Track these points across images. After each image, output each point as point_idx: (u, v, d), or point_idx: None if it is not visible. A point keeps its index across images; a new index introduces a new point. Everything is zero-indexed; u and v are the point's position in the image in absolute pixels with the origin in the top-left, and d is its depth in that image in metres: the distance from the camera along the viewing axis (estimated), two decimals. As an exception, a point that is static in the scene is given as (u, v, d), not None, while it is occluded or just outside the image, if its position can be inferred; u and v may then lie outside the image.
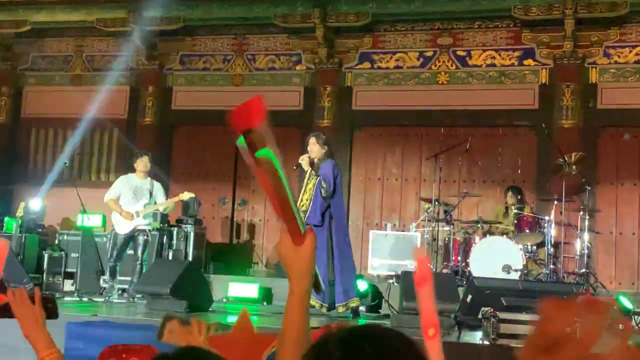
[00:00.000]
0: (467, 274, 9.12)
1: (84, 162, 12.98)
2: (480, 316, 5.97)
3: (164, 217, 10.01)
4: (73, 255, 10.37)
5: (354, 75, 11.97)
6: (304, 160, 7.93)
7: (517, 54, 11.34)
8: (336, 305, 7.63)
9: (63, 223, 12.02)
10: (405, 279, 7.58)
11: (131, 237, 9.10)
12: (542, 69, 11.22)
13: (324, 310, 7.70)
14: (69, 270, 10.46)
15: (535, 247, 9.55)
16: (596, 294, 9.28)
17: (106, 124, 12.62)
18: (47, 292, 2.49)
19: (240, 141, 1.57)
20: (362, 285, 8.63)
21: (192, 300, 7.62)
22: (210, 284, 9.20)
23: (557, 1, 10.70)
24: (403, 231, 10.88)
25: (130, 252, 9.27)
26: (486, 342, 5.69)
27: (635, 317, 7.24)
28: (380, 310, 8.94)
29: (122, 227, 9.06)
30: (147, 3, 11.82)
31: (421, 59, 11.69)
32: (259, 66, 12.40)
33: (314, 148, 7.98)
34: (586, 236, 9.63)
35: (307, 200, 7.85)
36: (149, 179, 9.29)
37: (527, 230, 9.42)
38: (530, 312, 6.16)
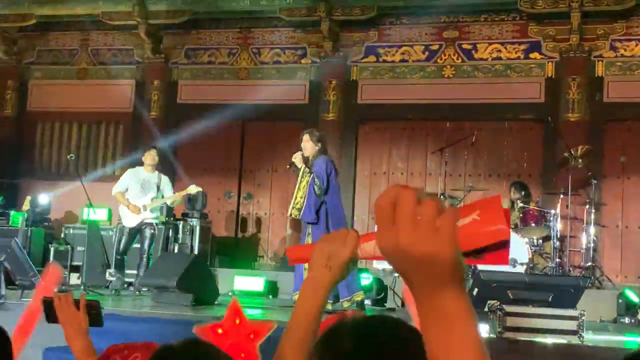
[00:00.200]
0: (473, 267, 9.11)
1: (89, 156, 13.00)
2: (486, 309, 5.97)
3: (170, 211, 10.02)
4: (79, 248, 10.40)
5: (359, 69, 11.95)
6: (297, 158, 7.92)
7: (523, 47, 11.30)
8: (341, 300, 7.64)
9: (69, 217, 12.04)
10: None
11: (138, 230, 9.11)
12: (548, 62, 11.18)
13: (329, 306, 7.70)
14: (75, 263, 10.50)
15: (541, 241, 9.53)
16: (602, 288, 9.28)
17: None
18: (93, 300, 2.46)
19: None
20: (366, 279, 8.64)
21: (198, 294, 7.63)
22: (215, 278, 9.20)
23: (563, -6, 10.67)
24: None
25: (136, 245, 9.28)
26: (493, 335, 5.69)
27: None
28: (385, 304, 8.95)
29: (129, 221, 9.07)
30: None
31: (427, 53, 11.67)
32: (264, 60, 12.38)
33: (307, 145, 7.97)
34: (592, 230, 9.62)
35: (301, 197, 7.85)
36: (156, 172, 9.30)
37: (533, 224, 9.40)
38: (537, 305, 6.16)
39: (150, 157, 9.20)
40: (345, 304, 7.55)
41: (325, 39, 11.84)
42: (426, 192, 0.87)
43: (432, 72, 11.63)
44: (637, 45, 10.91)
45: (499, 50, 11.38)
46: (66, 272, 10.41)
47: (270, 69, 12.34)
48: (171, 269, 7.73)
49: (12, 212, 10.99)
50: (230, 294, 9.53)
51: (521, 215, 9.52)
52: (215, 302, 7.90)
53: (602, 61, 10.96)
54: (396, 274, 9.05)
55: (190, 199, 10.65)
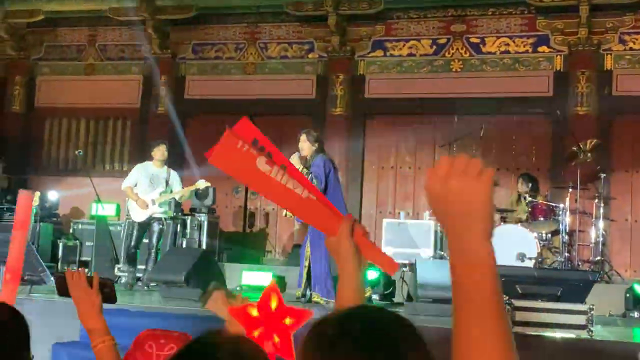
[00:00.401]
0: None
1: (97, 152, 13.02)
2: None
3: (178, 206, 10.05)
4: (87, 244, 10.42)
5: (366, 63, 11.93)
6: (294, 159, 7.91)
7: (531, 40, 11.26)
8: None
9: (77, 212, 12.07)
10: (420, 268, 7.57)
11: (147, 225, 9.12)
12: (556, 56, 11.14)
13: (331, 305, 7.71)
14: (84, 259, 10.52)
15: (549, 235, 9.49)
16: (611, 282, 9.25)
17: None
18: (106, 277, 2.46)
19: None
20: (372, 274, 8.62)
21: (206, 288, 7.63)
22: (223, 273, 9.21)
23: (572, -13, 10.62)
24: (417, 219, 10.85)
25: (144, 240, 9.29)
26: None
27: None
28: (393, 299, 8.94)
29: (138, 215, 9.08)
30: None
31: (434, 47, 11.63)
32: (271, 55, 12.37)
33: (305, 145, 7.96)
34: (601, 224, 9.58)
35: None
36: (165, 167, 9.30)
37: (542, 218, 9.37)
38: (545, 299, 6.14)
39: (160, 152, 9.20)
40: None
41: (332, 34, 11.82)
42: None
43: (439, 66, 11.59)
44: (646, 38, 10.86)
45: (507, 44, 11.33)
46: (75, 268, 10.45)
47: (277, 64, 12.33)
48: (179, 264, 7.75)
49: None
50: (238, 288, 9.54)
51: (530, 209, 9.49)
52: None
53: (610, 54, 10.91)
54: (404, 268, 9.05)
55: (199, 194, 10.67)
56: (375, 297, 8.41)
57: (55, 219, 11.21)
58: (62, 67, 13.38)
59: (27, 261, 6.83)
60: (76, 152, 11.51)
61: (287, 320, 2.00)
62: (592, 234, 9.69)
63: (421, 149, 11.69)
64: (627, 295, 8.01)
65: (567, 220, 9.35)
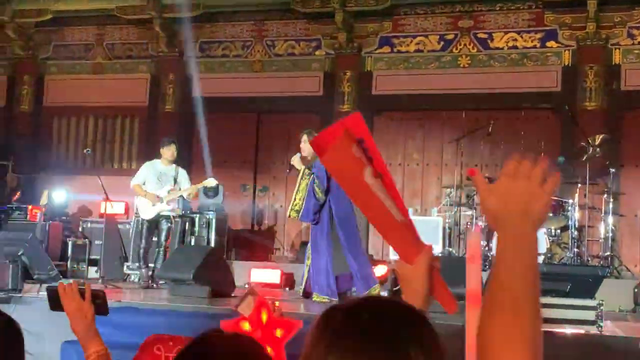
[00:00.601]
0: (490, 258, 9.08)
1: (106, 150, 13.06)
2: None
3: (187, 204, 10.06)
4: (97, 242, 10.44)
5: (373, 60, 11.91)
6: (295, 160, 7.93)
7: (539, 35, 11.21)
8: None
9: (86, 211, 12.10)
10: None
11: (156, 223, 9.13)
12: (564, 51, 11.09)
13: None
14: (93, 257, 10.54)
15: (559, 231, 9.47)
16: (621, 278, 9.21)
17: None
18: (97, 289, 2.46)
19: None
20: (380, 270, 8.63)
21: (214, 286, 7.64)
22: (232, 270, 9.22)
23: (579, -19, 10.58)
24: (425, 216, 10.84)
25: (154, 238, 9.31)
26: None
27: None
28: (403, 296, 8.91)
29: (146, 213, 9.10)
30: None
31: (442, 42, 11.60)
32: (278, 52, 12.37)
33: (305, 146, 7.98)
34: (610, 219, 9.55)
35: (300, 199, 7.86)
36: (174, 165, 9.31)
37: (551, 214, 9.33)
38: (555, 295, 6.12)
39: (170, 152, 9.21)
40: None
41: (339, 30, 11.81)
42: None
43: (447, 62, 11.56)
44: (654, 32, 10.80)
45: (515, 39, 11.30)
46: (84, 266, 10.48)
47: (284, 61, 12.32)
48: (188, 262, 7.75)
49: (29, 207, 11.06)
50: (246, 286, 9.55)
51: (538, 205, 9.45)
52: (232, 295, 7.91)
53: (619, 49, 10.86)
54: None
55: (208, 192, 10.68)
56: (384, 294, 8.40)
57: (64, 217, 11.24)
58: (70, 66, 13.42)
59: (36, 259, 6.87)
60: (84, 150, 11.54)
61: (278, 332, 2.01)
62: (602, 229, 9.65)
63: (429, 145, 11.68)
64: (637, 290, 7.98)
65: (576, 215, 9.32)
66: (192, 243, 10.32)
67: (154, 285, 8.88)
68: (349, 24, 11.83)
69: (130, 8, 12.46)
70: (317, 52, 12.20)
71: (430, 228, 9.78)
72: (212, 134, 12.29)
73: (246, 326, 2.05)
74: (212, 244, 10.29)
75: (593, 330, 5.66)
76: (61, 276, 7.91)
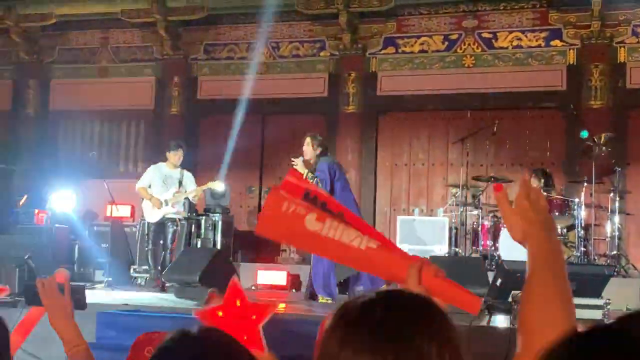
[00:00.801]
0: (497, 258, 9.07)
1: (112, 153, 13.08)
2: (510, 300, 5.93)
3: (192, 207, 10.08)
4: (103, 245, 10.46)
5: (378, 61, 11.90)
6: (298, 164, 7.93)
7: (543, 34, 11.20)
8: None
9: (92, 214, 12.12)
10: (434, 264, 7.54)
11: (162, 225, 9.14)
12: (569, 50, 11.07)
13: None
14: (100, 260, 10.56)
15: (565, 230, 9.45)
16: (628, 276, 9.18)
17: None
18: (77, 283, 2.46)
19: None
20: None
21: (221, 288, 7.60)
22: (238, 272, 9.23)
23: (583, -20, 10.56)
24: (431, 216, 10.83)
25: (161, 241, 9.32)
26: (517, 326, 5.64)
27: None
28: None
29: (152, 216, 9.12)
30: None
31: (446, 43, 11.59)
32: (282, 54, 12.38)
33: (307, 149, 8.01)
34: (617, 218, 9.52)
35: None
36: (179, 168, 9.32)
37: (557, 213, 9.32)
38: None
39: (176, 157, 9.22)
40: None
41: (343, 32, 11.81)
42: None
43: (452, 62, 11.55)
44: (660, 30, 10.77)
45: (519, 39, 11.28)
46: (91, 269, 10.50)
47: (289, 63, 12.33)
48: (194, 264, 7.76)
49: (36, 210, 11.09)
50: (253, 288, 9.56)
51: (544, 204, 9.42)
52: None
53: (624, 47, 10.84)
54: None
55: (214, 194, 10.70)
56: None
57: (70, 221, 11.25)
58: (76, 70, 13.45)
59: (42, 263, 6.89)
60: (90, 154, 11.56)
61: (253, 316, 2.01)
62: (608, 228, 9.62)
63: (434, 145, 11.67)
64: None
65: (582, 214, 9.30)
66: (199, 245, 10.33)
67: (163, 288, 8.89)
68: (353, 25, 11.83)
69: (134, 11, 12.48)
70: (321, 54, 12.20)
71: (436, 228, 9.78)
72: (217, 136, 12.32)
73: (219, 314, 2.06)
74: (218, 246, 10.30)
75: (600, 329, 5.63)
76: (65, 272, 7.90)
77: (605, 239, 9.80)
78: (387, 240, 1.66)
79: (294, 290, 9.69)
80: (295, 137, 11.86)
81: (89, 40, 13.42)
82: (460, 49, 11.51)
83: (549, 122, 11.15)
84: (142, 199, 9.29)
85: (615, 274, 8.12)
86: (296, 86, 12.07)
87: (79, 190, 11.95)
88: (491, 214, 9.90)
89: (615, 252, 9.42)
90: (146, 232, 9.30)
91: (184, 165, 9.55)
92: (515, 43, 11.29)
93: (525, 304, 1.50)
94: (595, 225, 9.80)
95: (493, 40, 11.39)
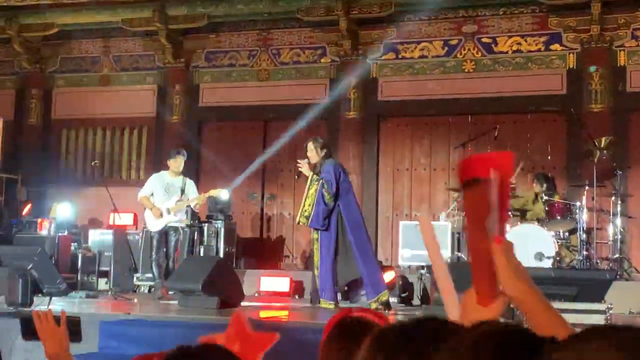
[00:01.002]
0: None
1: (114, 161, 13.11)
2: (512, 305, 5.93)
3: (195, 214, 10.09)
4: (106, 254, 10.49)
5: (379, 66, 11.93)
6: (304, 167, 7.95)
7: (543, 39, 11.22)
8: (367, 300, 7.67)
9: (95, 222, 12.16)
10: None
11: (165, 233, 9.15)
12: (569, 54, 11.09)
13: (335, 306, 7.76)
14: (103, 269, 10.58)
15: (567, 234, 9.45)
16: (631, 280, 9.19)
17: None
18: (72, 315, 2.47)
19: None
20: (388, 276, 8.64)
21: (223, 297, 7.66)
22: (242, 279, 9.24)
23: (583, -16, 10.57)
24: (433, 221, 10.83)
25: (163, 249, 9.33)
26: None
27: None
28: (412, 301, 8.94)
29: (154, 225, 9.13)
30: (171, 2, 11.91)
31: (446, 48, 11.62)
32: (284, 60, 12.41)
33: (312, 154, 8.02)
34: (619, 221, 9.52)
35: (309, 205, 7.89)
36: (181, 176, 9.33)
37: (559, 217, 9.33)
38: (563, 300, 6.12)
39: (176, 163, 9.22)
40: (374, 305, 7.54)
41: (344, 38, 11.84)
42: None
43: (452, 67, 11.58)
44: (659, 33, 10.78)
45: (519, 43, 11.30)
46: (94, 278, 10.53)
47: (290, 69, 12.36)
48: (196, 273, 7.77)
49: (39, 219, 11.13)
50: (256, 295, 9.58)
51: (546, 208, 9.45)
52: (241, 304, 7.93)
53: (624, 51, 10.85)
54: (422, 270, 9.07)
55: (219, 202, 10.72)
56: (393, 299, 8.41)
57: (73, 230, 11.29)
58: (78, 79, 13.49)
59: (45, 273, 6.91)
60: (92, 163, 11.60)
61: (253, 346, 2.02)
62: (610, 231, 9.62)
63: (436, 150, 11.69)
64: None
65: (584, 218, 9.30)
66: (201, 253, 10.36)
67: (168, 296, 8.90)
68: (354, 31, 11.86)
69: (136, 20, 12.53)
70: (322, 60, 12.23)
71: (438, 233, 9.76)
72: (219, 143, 12.35)
73: (222, 340, 2.07)
74: (221, 253, 10.32)
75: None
76: (71, 289, 7.94)
77: (607, 243, 9.80)
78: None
79: (296, 296, 9.70)
80: (297, 142, 11.91)
81: (91, 49, 13.47)
82: (460, 54, 11.53)
83: (550, 126, 11.16)
84: (145, 207, 9.30)
85: (617, 278, 8.12)
86: (297, 92, 12.10)
87: (81, 198, 12.00)
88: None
89: (617, 255, 9.42)
90: (149, 241, 9.32)
91: (186, 173, 9.57)
92: (515, 48, 11.31)
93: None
94: (597, 228, 9.81)
95: (493, 45, 11.41)
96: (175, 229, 9.14)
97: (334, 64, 12.14)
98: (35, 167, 12.95)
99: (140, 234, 10.42)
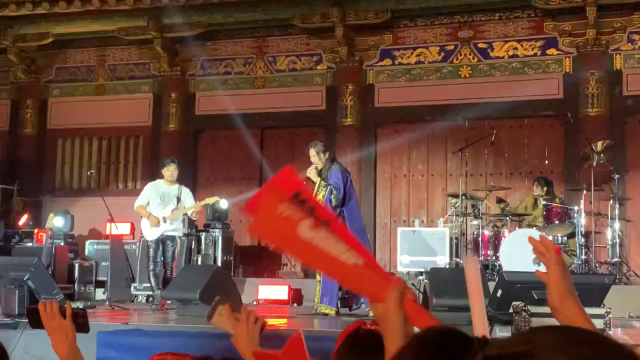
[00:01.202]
0: (497, 267, 9.05)
1: (111, 171, 13.08)
2: (511, 310, 5.91)
3: (192, 223, 10.06)
4: (103, 264, 10.44)
5: (375, 73, 11.93)
6: (312, 173, 7.91)
7: (539, 43, 11.22)
8: (367, 309, 7.64)
9: (92, 232, 12.12)
10: (435, 275, 7.54)
11: (162, 242, 9.10)
12: (565, 58, 11.10)
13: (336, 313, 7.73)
14: (100, 279, 10.54)
15: (565, 238, 9.43)
16: (630, 284, 9.16)
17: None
18: (79, 306, 2.47)
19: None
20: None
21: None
22: (240, 287, 9.20)
23: (577, -12, 10.58)
24: (431, 227, 10.81)
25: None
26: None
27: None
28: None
29: (150, 234, 9.09)
30: (166, 10, 11.90)
31: (442, 53, 11.62)
32: (280, 68, 12.40)
33: (316, 159, 7.98)
34: (617, 225, 9.50)
35: None
36: (177, 184, 9.29)
37: (557, 221, 9.31)
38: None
39: (169, 172, 9.18)
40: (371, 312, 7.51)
41: (340, 45, 11.83)
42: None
43: (448, 72, 11.58)
44: (655, 36, 10.79)
45: (515, 48, 11.31)
46: (91, 288, 10.49)
47: (286, 77, 12.35)
48: (194, 282, 7.73)
49: (35, 230, 11.08)
50: (254, 303, 9.54)
51: (544, 212, 9.44)
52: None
53: (620, 54, 10.86)
54: (420, 277, 9.04)
55: (216, 210, 10.68)
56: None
57: (70, 240, 11.25)
58: (73, 89, 13.47)
59: (42, 284, 6.87)
60: (88, 172, 11.57)
61: None
62: (609, 235, 9.61)
63: (433, 156, 11.68)
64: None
65: (582, 222, 9.28)
66: (199, 261, 10.31)
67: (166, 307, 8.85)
68: (350, 38, 11.86)
69: (131, 29, 12.51)
70: (318, 67, 12.23)
71: (436, 239, 9.75)
72: (216, 151, 12.32)
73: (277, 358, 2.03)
74: (219, 262, 10.28)
75: (602, 339, 5.60)
76: (68, 300, 7.89)
77: (605, 246, 9.78)
78: (370, 257, 1.61)
79: (295, 304, 9.66)
80: (294, 150, 11.90)
81: (86, 58, 13.45)
82: (457, 59, 11.53)
83: (547, 131, 11.17)
84: (142, 217, 9.26)
85: (616, 281, 8.09)
86: (294, 100, 12.08)
87: (78, 208, 11.96)
88: (491, 224, 9.89)
89: (616, 259, 9.40)
90: (146, 250, 9.27)
91: (183, 182, 9.54)
92: (511, 52, 11.32)
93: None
94: (595, 232, 9.79)
95: (489, 50, 11.41)
96: (172, 239, 9.10)
97: (330, 70, 12.13)
98: (31, 178, 12.91)
99: (138, 244, 10.38)
